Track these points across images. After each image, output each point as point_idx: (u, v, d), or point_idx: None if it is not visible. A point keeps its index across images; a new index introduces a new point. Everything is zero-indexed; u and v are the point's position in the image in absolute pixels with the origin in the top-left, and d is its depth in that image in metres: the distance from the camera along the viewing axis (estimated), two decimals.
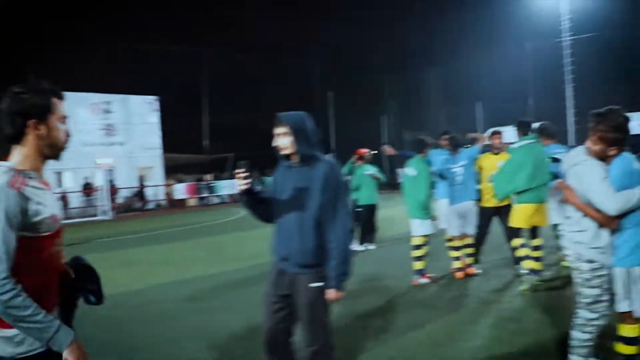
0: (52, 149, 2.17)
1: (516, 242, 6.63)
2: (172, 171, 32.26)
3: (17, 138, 2.10)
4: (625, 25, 29.98)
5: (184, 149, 34.16)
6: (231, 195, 28.46)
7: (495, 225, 7.35)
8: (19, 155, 2.11)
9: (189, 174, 33.38)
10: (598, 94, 27.14)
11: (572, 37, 28.62)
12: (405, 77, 38.64)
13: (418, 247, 7.08)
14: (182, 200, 28.53)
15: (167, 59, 36.18)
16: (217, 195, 29.49)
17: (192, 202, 29.08)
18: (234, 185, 3.61)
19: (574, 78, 28.68)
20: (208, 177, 31.75)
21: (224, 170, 32.78)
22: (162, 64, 35.52)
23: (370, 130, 34.47)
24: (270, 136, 3.19)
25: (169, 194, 28.91)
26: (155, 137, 30.40)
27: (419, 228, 7.05)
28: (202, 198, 29.44)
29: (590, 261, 3.47)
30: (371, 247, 9.93)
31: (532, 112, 28.64)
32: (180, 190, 28.74)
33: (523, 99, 29.22)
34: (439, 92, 40.03)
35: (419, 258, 7.06)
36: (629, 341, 3.52)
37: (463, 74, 35.73)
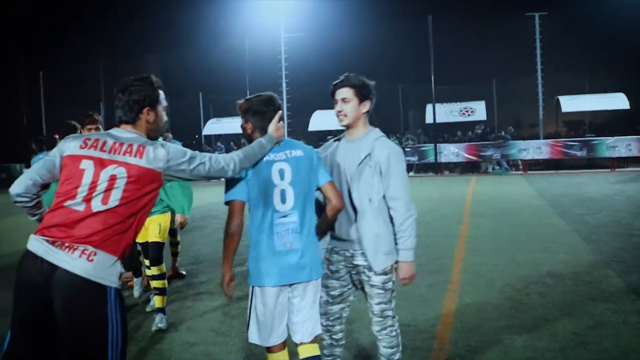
0: (155, 132, 2.70)
1: None
2: None
3: (132, 121, 2.61)
4: (334, 26, 33.04)
5: None
6: None
7: None
8: (133, 130, 2.62)
9: None
10: (308, 90, 29.44)
11: (286, 35, 30.41)
12: (123, 62, 36.77)
13: None
14: None
15: None
16: None
17: None
18: None
19: (287, 74, 30.53)
20: None
21: None
22: None
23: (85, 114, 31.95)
24: None
25: None
26: None
27: None
28: None
29: None
30: None
31: None
32: None
33: (243, 93, 30.05)
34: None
35: None
36: None
37: (183, 64, 35.52)
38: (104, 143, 2.52)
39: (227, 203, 2.97)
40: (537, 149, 24.06)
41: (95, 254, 2.34)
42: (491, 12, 34.48)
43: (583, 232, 8.84)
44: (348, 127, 3.29)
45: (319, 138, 27.18)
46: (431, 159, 25.24)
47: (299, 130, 30.83)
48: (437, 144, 25.00)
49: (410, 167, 25.64)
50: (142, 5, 41.12)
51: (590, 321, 4.76)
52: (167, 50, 36.39)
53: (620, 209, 11.25)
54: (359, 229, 3.17)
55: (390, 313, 3.33)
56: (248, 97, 3.12)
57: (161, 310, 5.07)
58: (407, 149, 25.41)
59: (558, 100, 26.52)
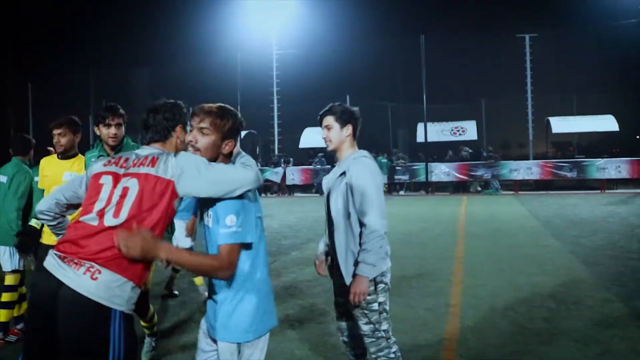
0: (178, 149, 2.65)
1: None
2: None
3: (163, 139, 2.64)
4: (326, 43, 33.17)
5: None
6: None
7: None
8: (161, 147, 2.62)
9: None
10: (299, 106, 29.40)
11: (278, 52, 30.44)
12: (112, 74, 36.61)
13: (10, 288, 5.18)
14: None
15: None
16: None
17: None
18: None
19: (278, 91, 30.51)
20: None
21: None
22: None
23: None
24: None
25: None
26: None
27: (9, 261, 5.20)
28: None
29: None
30: None
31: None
32: None
33: (233, 107, 29.90)
34: (146, 93, 38.89)
35: (6, 305, 5.16)
36: None
37: (173, 78, 35.41)
38: (126, 160, 2.53)
39: (242, 245, 2.47)
40: (527, 169, 24.11)
41: (100, 272, 2.24)
42: (482, 32, 34.79)
43: (580, 254, 8.74)
44: (335, 151, 3.45)
45: (310, 155, 27.13)
46: (422, 178, 25.19)
47: (289, 146, 30.73)
48: (428, 163, 24.96)
49: (401, 186, 25.58)
50: (134, 18, 41.09)
51: (598, 348, 4.62)
52: (158, 63, 36.25)
53: (615, 232, 11.18)
54: (335, 243, 3.31)
55: (382, 334, 3.30)
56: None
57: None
58: (397, 168, 25.36)
59: (548, 121, 26.67)
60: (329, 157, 27.10)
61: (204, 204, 2.54)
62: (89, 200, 2.45)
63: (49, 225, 2.75)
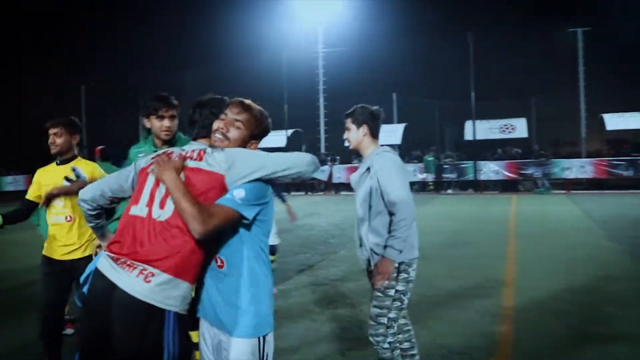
0: None
1: None
2: None
3: (209, 134, 2.49)
4: (372, 41, 32.93)
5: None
6: None
7: None
8: (207, 143, 2.52)
9: None
10: (346, 104, 29.21)
11: (324, 50, 30.40)
12: (162, 77, 37.37)
13: None
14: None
15: None
16: None
17: None
18: None
19: (325, 89, 30.47)
20: None
21: None
22: None
23: (128, 127, 32.49)
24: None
25: None
26: None
27: None
28: None
29: None
30: None
31: (287, 120, 29.70)
32: None
33: (280, 107, 30.07)
34: (195, 93, 39.48)
35: None
36: None
37: (220, 77, 35.80)
38: (171, 153, 2.48)
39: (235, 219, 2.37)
40: (580, 167, 23.35)
41: (153, 275, 2.20)
42: (532, 27, 33.81)
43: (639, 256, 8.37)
44: (356, 150, 3.73)
45: (357, 153, 26.98)
46: (470, 177, 24.72)
47: (335, 145, 30.65)
48: (477, 162, 24.47)
49: (448, 185, 25.18)
50: (182, 20, 41.77)
51: None
52: (205, 63, 36.74)
53: None
54: (361, 235, 3.56)
55: (384, 321, 3.44)
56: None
57: None
58: (445, 166, 24.96)
59: (602, 117, 25.78)
60: None
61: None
62: (135, 195, 2.43)
63: (87, 214, 2.70)
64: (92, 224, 2.77)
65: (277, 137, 28.89)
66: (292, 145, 28.17)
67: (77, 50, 38.28)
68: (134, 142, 3.97)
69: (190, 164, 2.40)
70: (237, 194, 2.29)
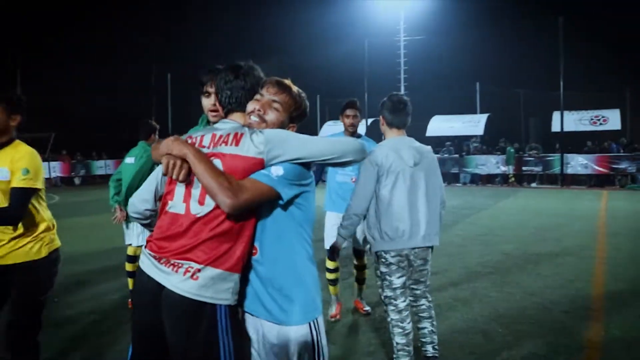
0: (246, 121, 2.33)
1: None
2: None
3: (243, 108, 2.31)
4: (454, 29, 32.17)
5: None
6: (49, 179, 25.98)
7: None
8: (241, 119, 2.32)
9: None
10: (427, 94, 28.76)
11: (406, 38, 29.95)
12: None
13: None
14: None
15: None
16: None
17: None
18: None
19: (405, 78, 30.04)
20: None
21: (44, 151, 29.72)
22: None
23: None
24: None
25: None
26: None
27: (140, 236, 5.72)
28: None
29: None
30: None
31: (366, 109, 29.56)
32: None
33: (360, 95, 29.95)
34: None
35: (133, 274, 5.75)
36: None
37: (301, 67, 36.06)
38: (202, 138, 2.26)
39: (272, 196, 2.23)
40: None
41: (199, 271, 2.09)
42: (627, 12, 31.85)
43: None
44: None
45: (437, 144, 26.46)
46: (556, 170, 23.68)
47: (416, 135, 30.20)
48: (564, 154, 23.39)
49: (532, 178, 24.27)
50: (263, 9, 42.32)
51: None
52: (288, 52, 37.14)
53: None
54: None
55: (383, 299, 3.88)
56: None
57: None
58: (529, 159, 24.05)
59: None
60: (457, 146, 26.34)
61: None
62: (170, 187, 2.26)
63: (142, 224, 2.57)
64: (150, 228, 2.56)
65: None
66: (372, 134, 27.98)
67: (161, 41, 39.67)
68: None
69: (225, 150, 2.18)
70: (275, 170, 2.12)
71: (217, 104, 2.46)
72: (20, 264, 3.22)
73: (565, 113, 24.61)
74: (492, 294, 6.18)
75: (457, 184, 24.66)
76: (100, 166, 30.04)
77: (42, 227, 3.31)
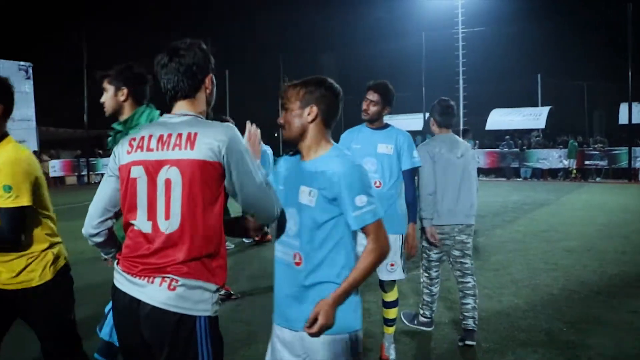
0: (208, 106, 2.16)
1: None
2: (48, 146, 29.57)
3: (192, 94, 2.06)
4: (514, 19, 31.38)
5: (61, 122, 31.52)
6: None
7: None
8: (191, 108, 2.07)
9: (66, 150, 30.96)
10: (486, 87, 28.14)
11: (464, 30, 29.38)
12: (301, 59, 38.31)
13: None
14: (62, 178, 26.88)
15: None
16: (98, 174, 27.44)
17: (71, 180, 27.26)
18: None
19: (464, 71, 29.50)
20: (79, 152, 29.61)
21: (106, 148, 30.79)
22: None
23: (267, 110, 33.83)
24: None
25: (44, 172, 26.67)
26: (28, 108, 27.64)
27: None
28: (81, 176, 27.51)
29: None
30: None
31: (424, 103, 29.22)
32: (57, 167, 26.75)
33: (418, 89, 29.62)
34: (334, 77, 40.09)
35: None
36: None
37: (359, 61, 35.93)
38: (149, 138, 2.02)
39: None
40: None
41: (177, 282, 1.97)
42: None
43: None
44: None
45: (496, 137, 25.93)
46: (624, 164, 22.70)
47: (475, 128, 29.69)
48: (632, 148, 22.42)
49: (597, 173, 23.42)
50: (321, 3, 42.41)
51: None
52: (345, 47, 37.12)
53: None
54: None
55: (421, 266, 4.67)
56: None
57: None
58: (594, 152, 23.20)
59: None
60: (517, 140, 25.69)
61: (296, 177, 2.23)
62: (130, 201, 2.05)
63: (99, 247, 2.33)
64: (109, 255, 2.39)
65: (414, 121, 28.52)
66: (427, 129, 27.63)
67: (222, 37, 40.34)
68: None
69: (180, 155, 1.99)
70: (360, 202, 2.12)
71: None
72: (23, 291, 2.69)
73: (634, 105, 23.58)
74: (555, 291, 6.02)
75: (518, 179, 24.07)
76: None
77: (39, 246, 2.72)
